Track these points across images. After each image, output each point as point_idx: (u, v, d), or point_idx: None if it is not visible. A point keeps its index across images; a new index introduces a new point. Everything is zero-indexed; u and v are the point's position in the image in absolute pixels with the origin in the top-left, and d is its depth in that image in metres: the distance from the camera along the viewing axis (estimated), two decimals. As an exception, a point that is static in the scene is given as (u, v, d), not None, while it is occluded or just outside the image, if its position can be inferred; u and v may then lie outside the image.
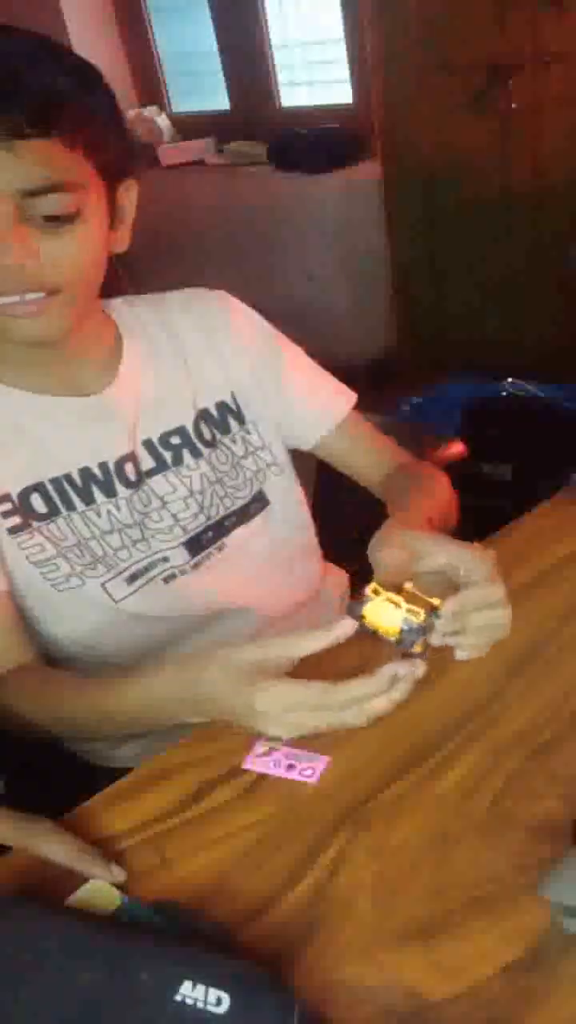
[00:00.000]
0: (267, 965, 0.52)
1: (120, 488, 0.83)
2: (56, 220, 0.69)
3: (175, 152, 3.10)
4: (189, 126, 3.24)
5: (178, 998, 0.46)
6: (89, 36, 3.05)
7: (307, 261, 2.96)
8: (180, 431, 0.88)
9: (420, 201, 2.79)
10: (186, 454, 0.88)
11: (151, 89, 3.31)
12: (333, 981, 0.53)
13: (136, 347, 0.87)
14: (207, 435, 0.90)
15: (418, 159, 2.72)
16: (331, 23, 2.87)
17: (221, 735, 0.73)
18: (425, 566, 0.68)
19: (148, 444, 0.86)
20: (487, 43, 2.41)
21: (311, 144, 2.85)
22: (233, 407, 0.92)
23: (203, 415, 0.90)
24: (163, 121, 3.18)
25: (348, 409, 1.00)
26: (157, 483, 0.86)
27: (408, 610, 0.62)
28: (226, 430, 0.91)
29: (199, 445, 0.88)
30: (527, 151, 2.51)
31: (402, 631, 0.62)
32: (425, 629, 0.62)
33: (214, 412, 0.91)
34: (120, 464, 0.83)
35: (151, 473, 0.86)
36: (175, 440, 0.87)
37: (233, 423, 0.92)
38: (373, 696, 0.61)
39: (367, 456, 1.01)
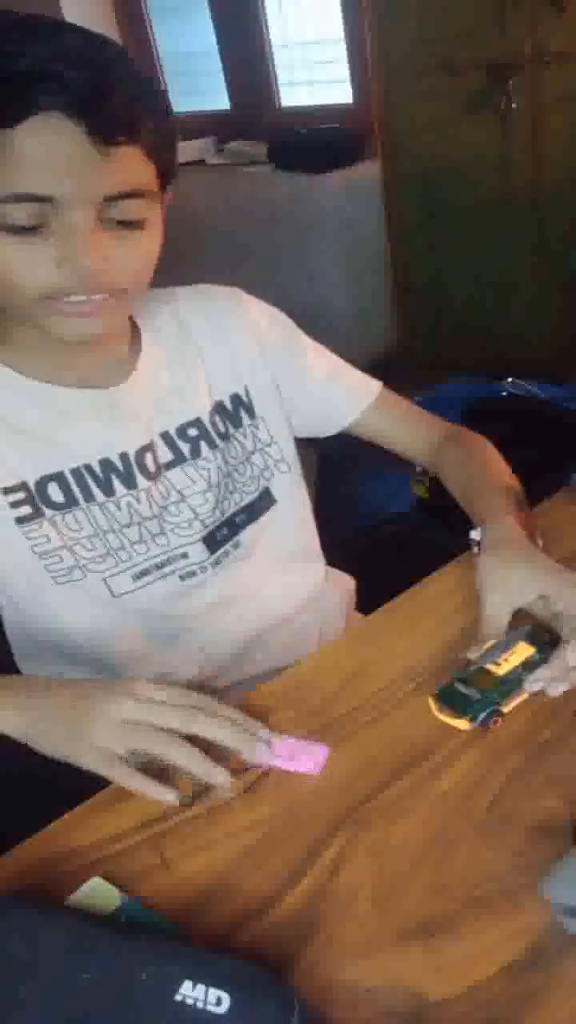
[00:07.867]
0: (267, 965, 0.52)
1: (140, 479, 0.83)
2: (129, 225, 0.70)
3: (175, 152, 3.11)
4: (189, 126, 3.24)
5: (178, 998, 0.46)
6: (89, 36, 3.04)
7: (307, 261, 2.96)
8: (197, 423, 0.88)
9: (420, 201, 2.79)
10: (203, 446, 0.88)
11: (151, 89, 3.31)
12: (333, 981, 0.53)
13: (152, 340, 0.88)
14: (221, 428, 0.90)
15: (418, 159, 2.72)
16: (331, 23, 2.87)
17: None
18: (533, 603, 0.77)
19: (166, 436, 0.86)
20: (487, 43, 2.41)
21: (311, 144, 2.85)
22: (245, 400, 0.93)
23: (218, 408, 0.90)
24: (163, 121, 3.19)
25: (381, 386, 1.03)
26: (175, 476, 0.86)
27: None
28: (238, 424, 0.92)
29: (215, 437, 0.89)
30: (527, 151, 2.51)
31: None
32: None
33: (228, 405, 0.92)
34: (140, 455, 0.83)
35: (170, 466, 0.86)
36: (192, 432, 0.88)
37: (245, 417, 0.93)
38: None
39: (411, 428, 1.04)
